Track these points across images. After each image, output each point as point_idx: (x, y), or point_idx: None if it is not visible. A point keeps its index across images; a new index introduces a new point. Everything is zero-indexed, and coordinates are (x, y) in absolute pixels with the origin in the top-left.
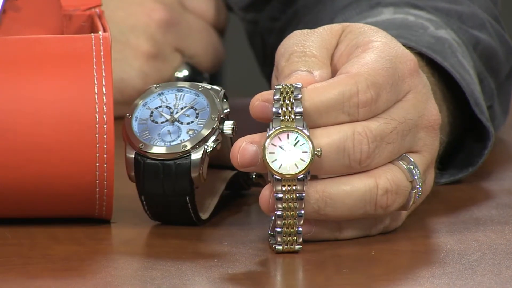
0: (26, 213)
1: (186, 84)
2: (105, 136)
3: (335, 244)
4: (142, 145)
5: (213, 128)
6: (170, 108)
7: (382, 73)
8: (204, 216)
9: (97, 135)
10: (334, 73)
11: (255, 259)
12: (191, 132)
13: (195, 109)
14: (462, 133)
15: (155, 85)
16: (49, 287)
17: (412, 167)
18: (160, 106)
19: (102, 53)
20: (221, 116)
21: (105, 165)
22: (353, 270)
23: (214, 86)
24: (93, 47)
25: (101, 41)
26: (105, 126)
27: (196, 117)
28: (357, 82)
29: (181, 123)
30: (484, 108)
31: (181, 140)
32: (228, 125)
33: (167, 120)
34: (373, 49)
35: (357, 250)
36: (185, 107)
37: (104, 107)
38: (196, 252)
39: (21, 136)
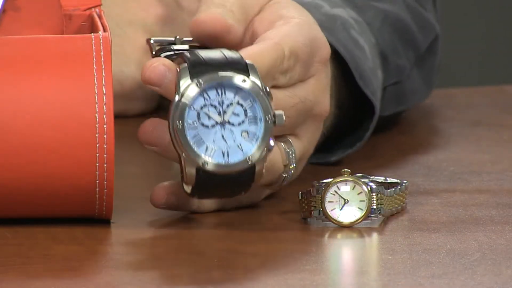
0: (26, 213)
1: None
2: (105, 136)
3: (335, 244)
4: (204, 163)
5: (270, 130)
6: (215, 106)
7: (302, 47)
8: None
9: (97, 135)
10: (253, 35)
11: (255, 259)
12: (245, 135)
13: (241, 105)
14: (357, 112)
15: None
16: (49, 287)
17: (291, 152)
18: (205, 105)
19: (102, 53)
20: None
21: (105, 165)
22: (353, 270)
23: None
24: (93, 47)
25: (101, 41)
26: (105, 126)
27: (245, 115)
28: (284, 49)
29: (232, 124)
30: (373, 83)
31: (244, 155)
32: (280, 118)
33: (217, 123)
34: (295, 24)
35: (356, 250)
36: (231, 104)
37: (104, 107)
38: (196, 252)
39: (21, 136)
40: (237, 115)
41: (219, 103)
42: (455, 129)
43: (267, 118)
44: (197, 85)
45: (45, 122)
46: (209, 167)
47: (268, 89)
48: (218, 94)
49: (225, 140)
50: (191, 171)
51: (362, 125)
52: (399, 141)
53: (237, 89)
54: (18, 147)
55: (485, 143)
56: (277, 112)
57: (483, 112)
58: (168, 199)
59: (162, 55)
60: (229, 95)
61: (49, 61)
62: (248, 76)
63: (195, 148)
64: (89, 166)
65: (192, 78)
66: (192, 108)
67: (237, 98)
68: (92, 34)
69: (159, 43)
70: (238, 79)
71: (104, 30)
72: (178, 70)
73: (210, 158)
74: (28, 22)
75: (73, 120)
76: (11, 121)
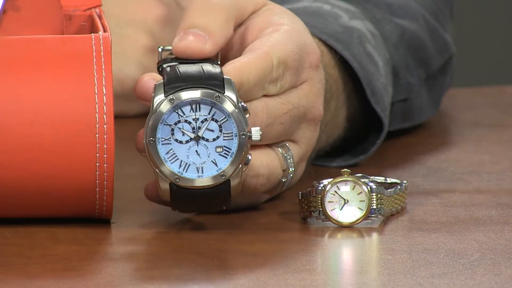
0: (26, 213)
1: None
2: (105, 136)
3: (335, 244)
4: (177, 178)
5: (245, 145)
6: (190, 122)
7: (291, 55)
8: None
9: (97, 135)
10: (242, 41)
11: (255, 259)
12: (220, 150)
13: (216, 121)
14: (366, 125)
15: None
16: (49, 287)
17: (288, 157)
18: (179, 121)
19: (102, 53)
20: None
21: (105, 165)
22: (353, 270)
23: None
24: (93, 47)
25: (101, 41)
26: (105, 126)
27: (220, 131)
28: (272, 59)
29: (207, 140)
30: (384, 99)
31: (218, 170)
32: (256, 134)
33: (191, 139)
34: (283, 32)
35: (356, 250)
36: (205, 120)
37: (104, 107)
38: (196, 252)
39: (21, 136)
40: (212, 130)
41: (193, 119)
42: (455, 129)
43: (242, 134)
44: (170, 101)
45: (45, 122)
46: (182, 182)
47: (244, 105)
48: (193, 110)
49: (199, 156)
50: (164, 186)
51: (368, 137)
52: (399, 141)
53: (212, 105)
54: (18, 147)
55: (485, 143)
56: (253, 128)
57: (483, 112)
58: (158, 195)
59: (164, 65)
60: (204, 111)
61: (49, 61)
62: (223, 91)
63: (168, 164)
64: (89, 166)
65: (166, 94)
66: (165, 124)
67: (211, 114)
68: (92, 34)
69: (168, 51)
70: (213, 95)
71: (104, 30)
72: (154, 86)
73: (183, 174)
74: (28, 22)
75: (73, 120)
76: (11, 121)
